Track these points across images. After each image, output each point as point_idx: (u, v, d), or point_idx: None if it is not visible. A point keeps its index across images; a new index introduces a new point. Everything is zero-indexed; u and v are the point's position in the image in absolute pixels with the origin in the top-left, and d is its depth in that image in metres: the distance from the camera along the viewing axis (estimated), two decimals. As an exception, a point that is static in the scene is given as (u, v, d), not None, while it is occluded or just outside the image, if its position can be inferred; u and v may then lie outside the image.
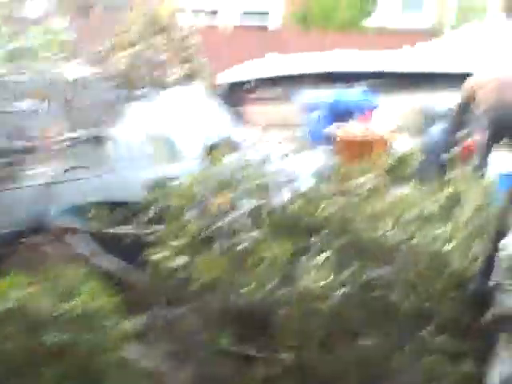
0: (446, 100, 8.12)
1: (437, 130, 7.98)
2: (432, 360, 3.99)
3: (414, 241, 4.28)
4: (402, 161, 5.75)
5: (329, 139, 8.31)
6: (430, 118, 8.47)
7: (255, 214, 4.26)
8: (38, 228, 4.49)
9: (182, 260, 3.85)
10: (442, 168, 6.35)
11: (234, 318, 3.96)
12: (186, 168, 5.06)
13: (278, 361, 3.90)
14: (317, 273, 3.95)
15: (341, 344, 3.99)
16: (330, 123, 8.84)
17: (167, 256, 3.86)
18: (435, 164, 6.73)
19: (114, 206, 4.82)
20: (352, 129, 8.69)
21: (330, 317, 3.96)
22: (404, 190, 4.87)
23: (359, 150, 7.50)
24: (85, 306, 2.97)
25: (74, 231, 4.31)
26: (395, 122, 8.95)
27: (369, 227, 4.33)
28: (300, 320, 3.93)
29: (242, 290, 3.84)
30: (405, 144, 7.44)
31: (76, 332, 2.93)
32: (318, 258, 3.99)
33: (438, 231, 4.30)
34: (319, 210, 4.29)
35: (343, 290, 3.97)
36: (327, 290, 3.92)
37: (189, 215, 4.18)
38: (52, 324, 2.84)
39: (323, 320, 3.95)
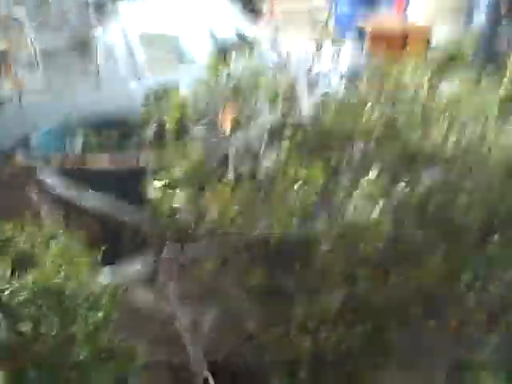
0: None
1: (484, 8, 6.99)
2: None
3: (474, 143, 3.57)
4: (451, 55, 4.94)
5: (359, 33, 7.43)
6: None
7: (277, 128, 3.38)
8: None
9: (186, 192, 3.01)
10: (497, 53, 5.52)
11: (265, 256, 3.19)
12: (193, 74, 4.17)
13: (320, 300, 3.13)
14: (362, 194, 3.13)
15: (398, 271, 3.25)
16: (358, 10, 7.92)
17: (168, 188, 3.02)
18: (488, 50, 5.88)
19: (104, 125, 4.00)
20: (385, 20, 7.83)
21: (383, 244, 3.20)
22: (456, 87, 4.02)
23: (396, 43, 6.69)
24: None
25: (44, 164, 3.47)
26: (434, 8, 8.01)
27: (421, 134, 3.53)
28: (346, 252, 3.14)
29: (267, 224, 3.02)
30: (447, 32, 6.63)
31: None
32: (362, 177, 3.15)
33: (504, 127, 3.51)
34: (359, 119, 3.43)
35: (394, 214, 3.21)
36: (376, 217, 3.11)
37: (193, 134, 3.33)
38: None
39: (374, 249, 3.17)
